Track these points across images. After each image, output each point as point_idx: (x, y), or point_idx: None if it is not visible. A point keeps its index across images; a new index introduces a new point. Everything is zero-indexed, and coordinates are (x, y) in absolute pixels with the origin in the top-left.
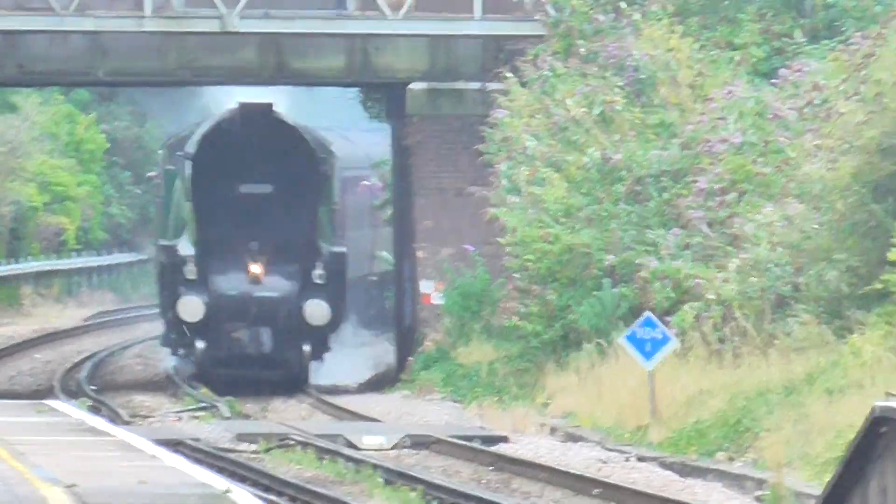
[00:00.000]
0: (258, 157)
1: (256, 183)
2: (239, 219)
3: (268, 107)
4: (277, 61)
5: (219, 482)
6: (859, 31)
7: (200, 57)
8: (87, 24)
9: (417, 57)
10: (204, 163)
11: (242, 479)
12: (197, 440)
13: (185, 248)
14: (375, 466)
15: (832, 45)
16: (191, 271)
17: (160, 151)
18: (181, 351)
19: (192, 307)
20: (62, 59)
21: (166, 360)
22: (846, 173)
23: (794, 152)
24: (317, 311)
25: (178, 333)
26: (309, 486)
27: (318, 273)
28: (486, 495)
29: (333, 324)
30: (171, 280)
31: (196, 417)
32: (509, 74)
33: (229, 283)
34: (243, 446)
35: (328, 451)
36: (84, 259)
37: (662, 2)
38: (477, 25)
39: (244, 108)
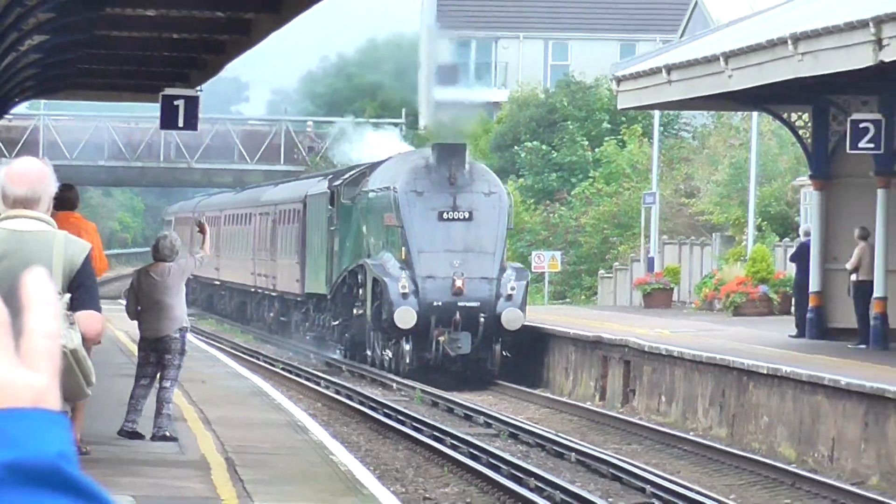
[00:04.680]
0: (458, 187)
1: (458, 208)
2: (444, 238)
3: (462, 147)
4: None
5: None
6: None
7: None
8: None
9: None
10: (411, 192)
11: None
12: None
13: (393, 265)
14: None
15: None
16: (402, 283)
17: (320, 191)
18: (387, 352)
19: (406, 315)
20: None
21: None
22: None
23: None
24: (512, 318)
25: (386, 341)
26: None
27: (511, 285)
28: None
29: (522, 328)
30: (382, 291)
31: None
32: None
33: (436, 295)
34: None
35: None
36: None
37: None
38: None
39: (440, 148)
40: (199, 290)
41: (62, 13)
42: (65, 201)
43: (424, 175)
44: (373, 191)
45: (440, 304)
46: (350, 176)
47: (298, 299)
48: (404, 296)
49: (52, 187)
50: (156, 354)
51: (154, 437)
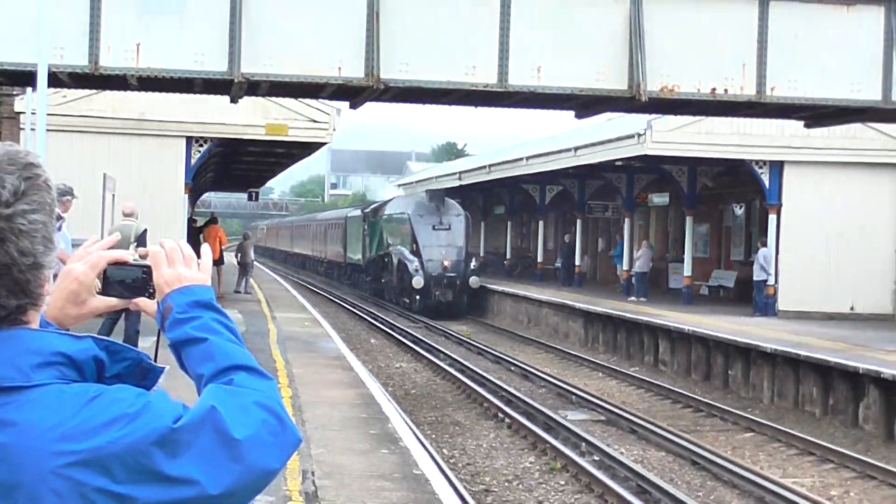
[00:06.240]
0: (442, 213)
1: (443, 224)
2: (436, 239)
3: (443, 191)
4: None
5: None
6: None
7: None
8: None
9: None
10: (417, 215)
11: None
12: None
13: (407, 253)
14: None
15: None
16: (415, 264)
17: (355, 214)
18: (405, 300)
19: (419, 281)
20: None
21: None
22: None
23: None
24: (475, 281)
25: (405, 294)
26: None
27: (473, 264)
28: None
29: (481, 288)
30: (404, 267)
31: None
32: None
33: (433, 270)
34: None
35: None
36: None
37: None
38: None
39: (431, 192)
40: (280, 255)
41: (224, 153)
42: (214, 222)
43: (424, 206)
44: (390, 214)
45: (436, 274)
46: (372, 207)
47: (341, 264)
48: (416, 270)
49: (136, 211)
50: (243, 269)
51: (245, 293)
